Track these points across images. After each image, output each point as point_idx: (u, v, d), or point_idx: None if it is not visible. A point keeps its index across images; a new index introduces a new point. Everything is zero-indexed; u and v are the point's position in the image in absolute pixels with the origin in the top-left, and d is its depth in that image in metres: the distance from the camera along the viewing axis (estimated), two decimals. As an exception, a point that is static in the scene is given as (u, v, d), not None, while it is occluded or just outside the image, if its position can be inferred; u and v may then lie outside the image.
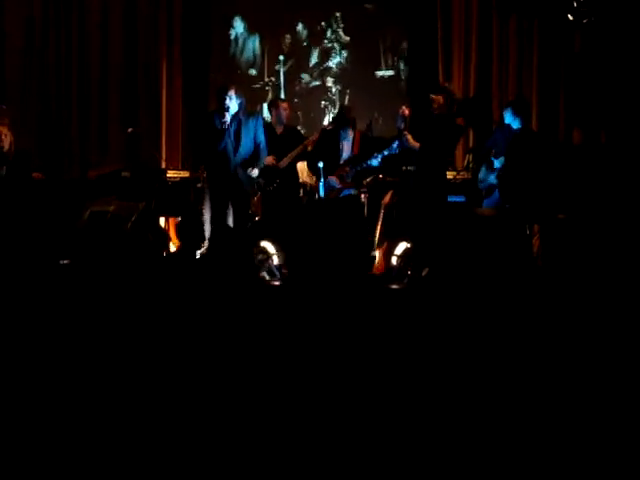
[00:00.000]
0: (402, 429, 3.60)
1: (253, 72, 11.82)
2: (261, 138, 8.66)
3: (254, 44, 11.81)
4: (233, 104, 8.50)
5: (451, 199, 9.07)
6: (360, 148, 8.80)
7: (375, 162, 8.72)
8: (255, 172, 8.64)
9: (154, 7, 11.36)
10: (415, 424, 3.68)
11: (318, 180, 8.76)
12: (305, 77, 11.78)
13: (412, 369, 4.60)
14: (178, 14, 11.43)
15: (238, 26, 11.82)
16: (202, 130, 8.67)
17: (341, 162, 8.83)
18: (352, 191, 8.85)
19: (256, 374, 4.40)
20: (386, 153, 8.65)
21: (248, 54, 11.83)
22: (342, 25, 11.78)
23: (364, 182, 8.99)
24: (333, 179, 8.77)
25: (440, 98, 8.75)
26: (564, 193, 8.98)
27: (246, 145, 8.59)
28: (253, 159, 8.64)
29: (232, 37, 11.81)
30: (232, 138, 8.51)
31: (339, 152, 8.85)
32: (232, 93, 8.51)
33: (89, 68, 11.21)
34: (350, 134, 8.88)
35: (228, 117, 8.43)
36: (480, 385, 4.23)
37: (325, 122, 11.40)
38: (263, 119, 9.26)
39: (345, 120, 8.91)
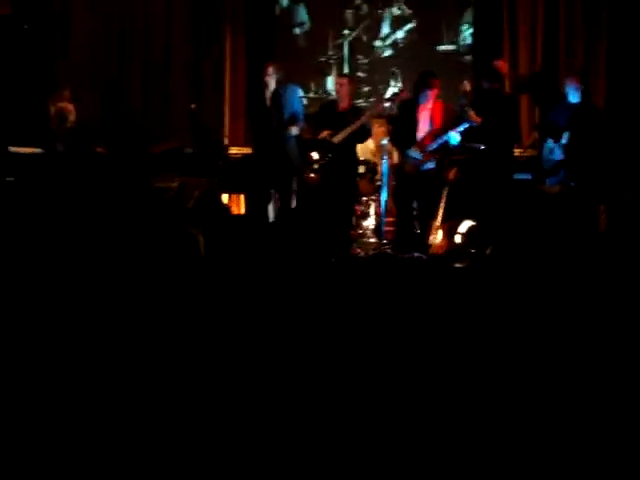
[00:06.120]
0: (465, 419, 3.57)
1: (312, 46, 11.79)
2: (295, 107, 8.93)
3: (315, 19, 11.74)
4: (272, 81, 8.77)
5: (517, 177, 9.00)
6: (444, 121, 8.70)
7: (454, 140, 8.65)
8: (294, 130, 8.84)
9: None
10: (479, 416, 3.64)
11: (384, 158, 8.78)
12: (368, 51, 11.70)
13: (477, 349, 4.56)
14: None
15: (298, 4, 11.79)
16: (254, 109, 8.88)
17: (419, 134, 8.76)
18: (433, 164, 8.78)
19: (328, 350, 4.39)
20: (463, 128, 8.59)
21: (309, 29, 11.77)
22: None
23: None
24: (414, 150, 8.70)
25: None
26: (630, 170, 8.84)
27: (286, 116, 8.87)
28: (289, 122, 8.86)
29: (295, 15, 11.78)
30: (276, 113, 8.75)
31: (415, 123, 8.77)
32: (270, 71, 8.80)
33: (154, 44, 11.23)
34: (429, 102, 8.76)
35: (268, 94, 8.80)
36: (548, 370, 4.17)
37: (387, 95, 11.35)
38: (300, 89, 9.59)
39: (424, 81, 8.80)
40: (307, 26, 11.69)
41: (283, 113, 8.80)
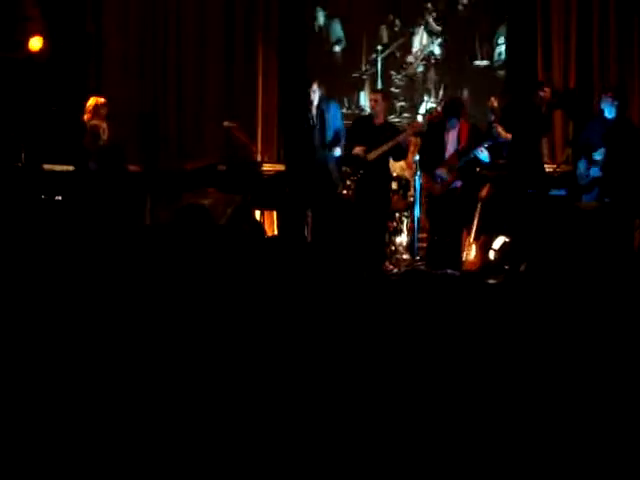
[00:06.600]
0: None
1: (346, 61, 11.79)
2: (337, 124, 8.94)
3: (348, 35, 11.74)
4: (316, 97, 8.83)
5: (552, 193, 8.95)
6: (469, 141, 8.70)
7: (484, 157, 8.65)
8: (338, 150, 8.88)
9: (251, 2, 11.39)
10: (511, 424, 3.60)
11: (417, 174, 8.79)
12: (402, 66, 11.68)
13: (508, 364, 4.52)
14: (275, 8, 11.44)
15: (334, 20, 11.79)
16: (295, 126, 8.91)
17: (446, 154, 8.76)
18: (458, 184, 8.77)
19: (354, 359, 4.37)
20: (487, 144, 8.59)
21: (343, 45, 11.77)
22: (436, 14, 11.65)
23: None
24: (441, 171, 8.70)
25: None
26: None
27: (330, 134, 8.87)
28: (333, 143, 8.86)
29: (331, 32, 11.78)
30: (318, 130, 8.77)
31: (443, 144, 8.78)
32: (315, 87, 8.86)
33: (186, 62, 11.30)
34: (457, 125, 8.78)
35: (313, 110, 8.80)
36: (583, 388, 4.12)
37: (421, 111, 11.33)
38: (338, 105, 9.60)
39: (454, 111, 8.83)
40: (343, 43, 11.71)
41: (326, 131, 8.79)
